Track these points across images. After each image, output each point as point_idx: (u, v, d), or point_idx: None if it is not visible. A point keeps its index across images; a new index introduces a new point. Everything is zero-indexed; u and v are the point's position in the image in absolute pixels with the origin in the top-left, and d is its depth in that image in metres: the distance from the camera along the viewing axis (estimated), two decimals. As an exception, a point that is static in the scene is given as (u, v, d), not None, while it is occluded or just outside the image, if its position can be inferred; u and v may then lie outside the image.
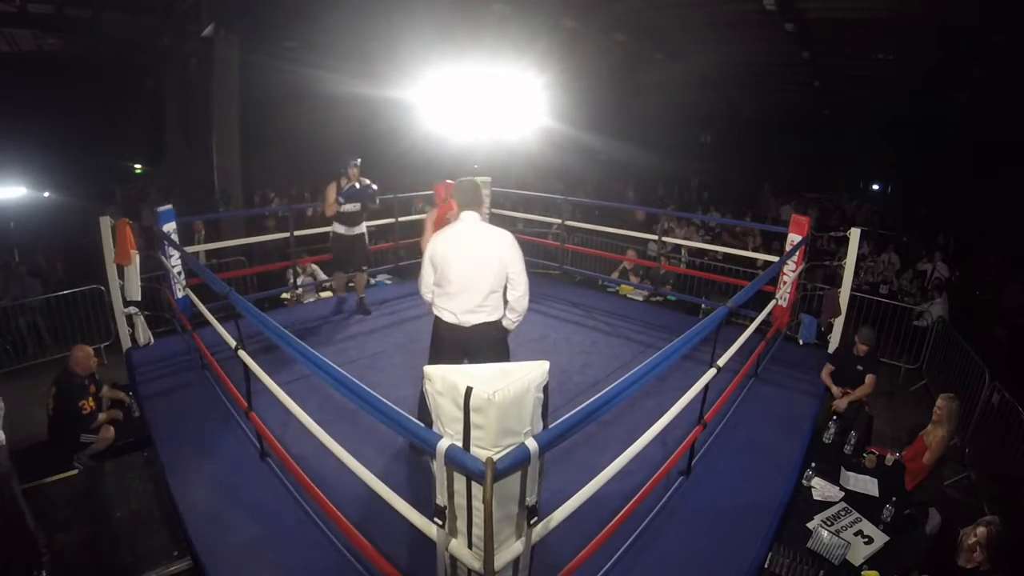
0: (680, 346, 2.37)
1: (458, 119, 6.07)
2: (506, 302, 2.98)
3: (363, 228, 5.27)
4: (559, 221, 6.52)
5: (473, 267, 2.86)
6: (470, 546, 1.64)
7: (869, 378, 4.26)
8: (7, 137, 9.91)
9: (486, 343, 2.97)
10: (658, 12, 9.46)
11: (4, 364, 5.97)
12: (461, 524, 1.64)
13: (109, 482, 3.20)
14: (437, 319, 3.01)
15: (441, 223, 4.37)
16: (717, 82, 14.28)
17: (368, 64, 10.68)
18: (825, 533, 2.79)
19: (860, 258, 6.23)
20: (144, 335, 4.50)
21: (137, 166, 13.77)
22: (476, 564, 1.60)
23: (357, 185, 5.00)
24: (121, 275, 4.37)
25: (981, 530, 2.61)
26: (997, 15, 6.68)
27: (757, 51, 10.47)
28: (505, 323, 3.02)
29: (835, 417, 3.97)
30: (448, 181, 4.55)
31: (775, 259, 5.34)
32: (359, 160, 5.12)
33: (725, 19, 9.24)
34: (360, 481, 2.00)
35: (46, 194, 10.73)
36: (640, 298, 6.33)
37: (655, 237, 6.26)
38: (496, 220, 7.04)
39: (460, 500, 1.60)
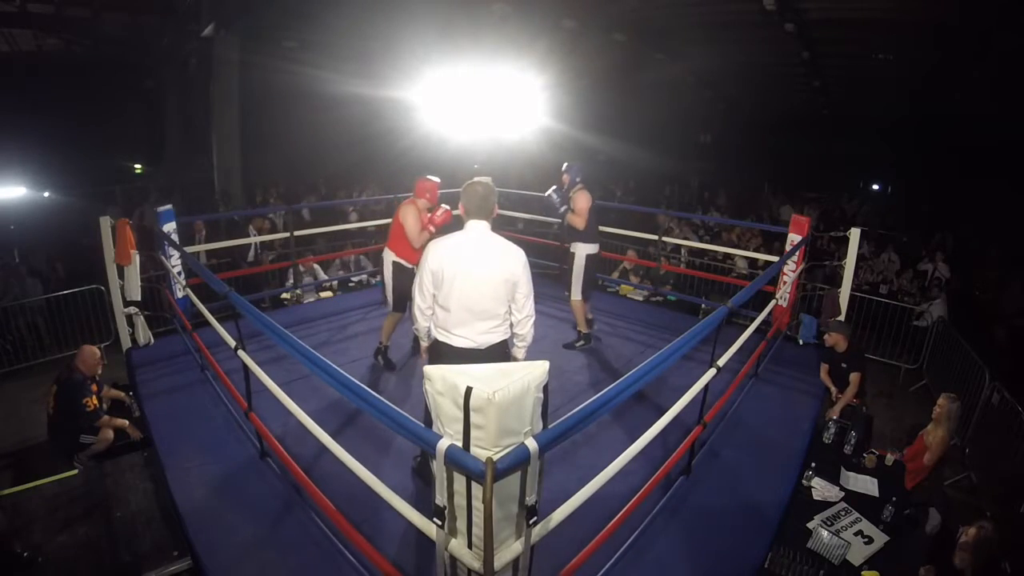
0: (680, 346, 2.37)
1: (458, 119, 6.06)
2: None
3: (574, 249, 4.59)
4: (560, 221, 6.51)
5: (482, 286, 2.54)
6: (470, 546, 1.64)
7: (854, 376, 4.25)
8: (7, 137, 9.93)
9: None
10: (658, 12, 9.45)
11: (4, 364, 5.98)
12: (461, 524, 1.64)
13: (109, 482, 3.19)
14: (441, 345, 2.64)
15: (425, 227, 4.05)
16: (717, 82, 14.28)
17: (368, 64, 10.69)
18: (825, 533, 2.79)
19: (860, 258, 6.23)
20: (144, 335, 4.50)
21: (137, 166, 13.79)
22: (476, 564, 1.60)
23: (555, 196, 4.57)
24: (121, 275, 4.37)
25: (972, 531, 2.62)
26: (997, 15, 6.68)
27: (757, 51, 10.47)
28: (515, 352, 2.78)
29: (834, 418, 3.98)
30: (429, 177, 4.17)
31: (775, 259, 5.34)
32: (564, 164, 4.64)
33: (725, 19, 9.23)
34: (360, 481, 2.00)
35: (46, 194, 10.73)
36: (640, 298, 6.33)
37: (655, 237, 6.25)
38: (496, 220, 7.06)
39: (460, 500, 1.60)
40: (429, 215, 4.11)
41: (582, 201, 4.41)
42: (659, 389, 3.80)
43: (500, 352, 2.67)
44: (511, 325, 2.72)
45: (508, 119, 6.03)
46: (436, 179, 4.22)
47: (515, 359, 2.80)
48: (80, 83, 11.15)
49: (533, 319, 2.75)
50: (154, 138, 12.18)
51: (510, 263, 2.59)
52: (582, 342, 4.69)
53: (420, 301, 2.68)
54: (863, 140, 15.54)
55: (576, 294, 4.55)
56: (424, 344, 2.82)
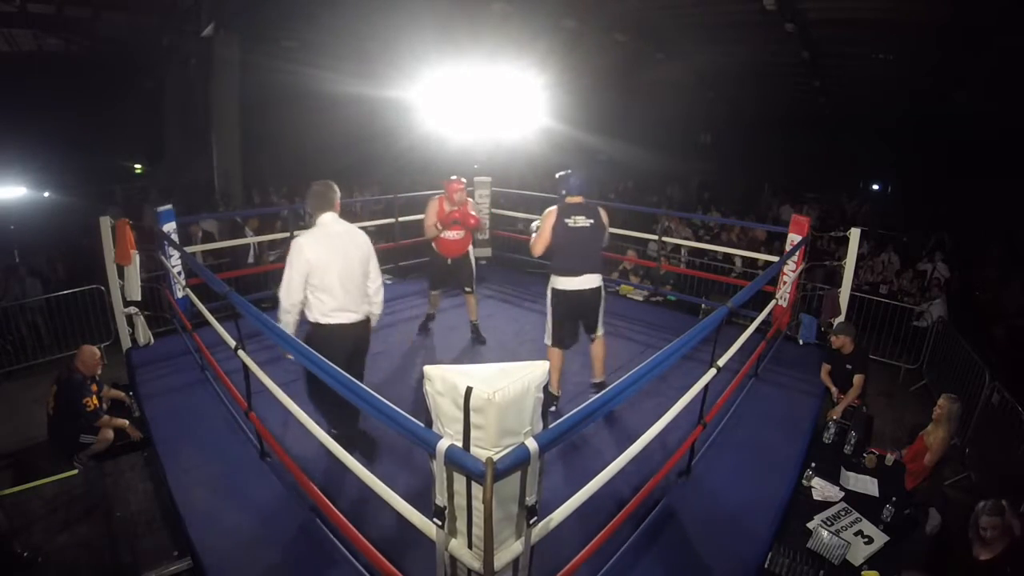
0: (680, 346, 2.37)
1: (458, 119, 6.06)
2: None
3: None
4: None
5: (354, 265, 2.94)
6: (470, 546, 1.64)
7: (857, 379, 4.25)
8: (7, 137, 9.90)
9: (368, 337, 3.16)
10: (658, 12, 9.47)
11: (4, 364, 5.98)
12: (461, 524, 1.64)
13: (109, 482, 3.19)
14: (330, 327, 2.91)
15: (446, 219, 4.49)
16: (717, 82, 14.27)
17: (367, 64, 10.68)
18: (825, 533, 2.79)
19: (860, 258, 6.23)
20: (144, 335, 4.50)
21: (137, 166, 13.79)
22: (476, 564, 1.60)
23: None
24: (121, 275, 4.38)
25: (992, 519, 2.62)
26: (998, 16, 6.68)
27: (757, 51, 10.47)
28: (373, 321, 3.17)
29: (834, 418, 3.98)
30: (454, 177, 4.55)
31: (775, 259, 5.34)
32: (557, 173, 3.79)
33: (725, 19, 9.24)
34: (360, 481, 2.00)
35: (46, 194, 10.72)
36: (640, 298, 6.33)
37: (655, 237, 6.25)
38: (496, 220, 7.07)
39: (460, 500, 1.61)
40: (448, 211, 4.50)
41: (544, 219, 3.50)
42: (659, 389, 3.79)
43: (368, 321, 3.12)
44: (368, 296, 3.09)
45: (508, 119, 6.03)
46: (455, 178, 4.59)
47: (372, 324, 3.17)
48: (80, 83, 11.13)
49: (383, 287, 3.21)
50: (154, 138, 12.15)
51: (364, 240, 3.04)
52: (552, 408, 3.38)
53: (293, 297, 2.88)
54: (863, 140, 15.53)
55: (547, 337, 3.64)
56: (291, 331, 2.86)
